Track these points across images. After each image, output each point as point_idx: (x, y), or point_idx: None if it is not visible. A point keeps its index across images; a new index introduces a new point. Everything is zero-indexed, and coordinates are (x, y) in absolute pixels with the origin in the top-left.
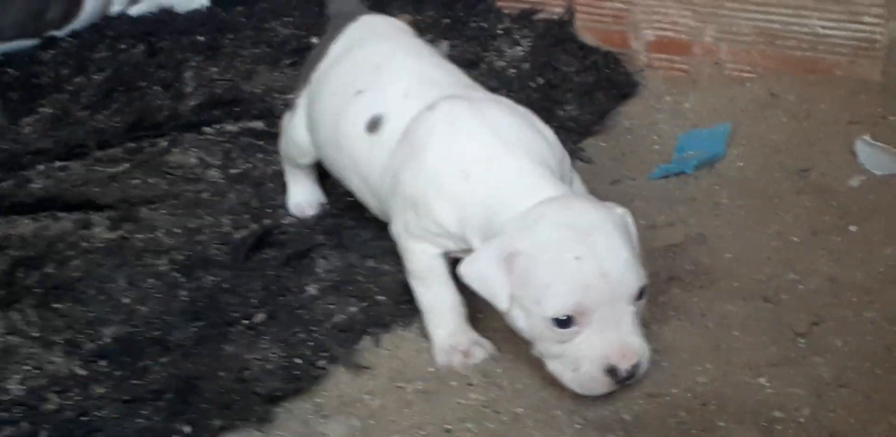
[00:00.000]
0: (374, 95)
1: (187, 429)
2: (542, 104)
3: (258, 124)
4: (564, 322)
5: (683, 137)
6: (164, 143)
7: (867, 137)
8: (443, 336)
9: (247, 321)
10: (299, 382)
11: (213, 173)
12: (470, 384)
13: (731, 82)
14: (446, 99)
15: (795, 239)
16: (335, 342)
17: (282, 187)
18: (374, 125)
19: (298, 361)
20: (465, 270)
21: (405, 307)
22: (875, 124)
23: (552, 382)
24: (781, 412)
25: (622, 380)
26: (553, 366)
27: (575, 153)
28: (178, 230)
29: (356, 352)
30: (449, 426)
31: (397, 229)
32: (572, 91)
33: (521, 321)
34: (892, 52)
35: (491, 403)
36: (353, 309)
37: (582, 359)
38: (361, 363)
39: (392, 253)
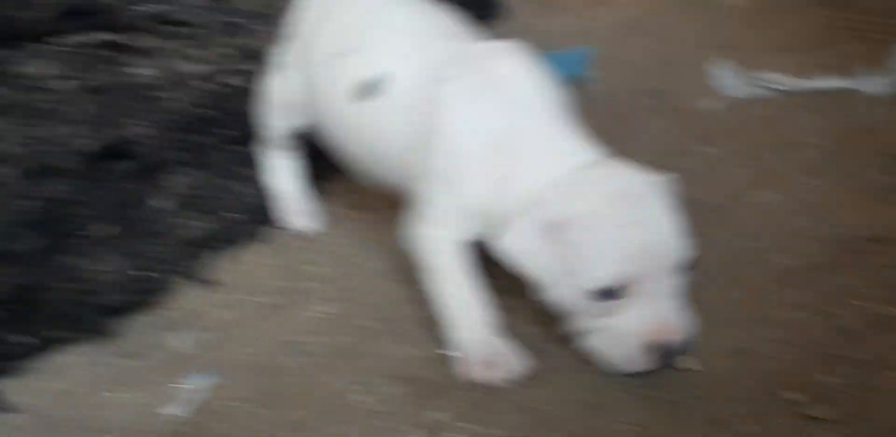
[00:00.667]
0: (364, 55)
1: (27, 339)
2: None
3: (112, 36)
4: (608, 294)
5: (545, 57)
6: (12, 52)
7: (724, 62)
8: (473, 344)
9: (93, 233)
10: (146, 295)
11: (64, 84)
12: (323, 298)
13: (595, 5)
14: (456, 69)
15: (651, 159)
16: (184, 257)
17: (137, 98)
18: (370, 89)
19: (146, 274)
20: (505, 244)
21: (257, 226)
22: (734, 49)
23: (403, 298)
24: None
25: (665, 359)
26: (593, 342)
27: None
28: (25, 140)
29: (206, 267)
30: (299, 339)
31: (415, 221)
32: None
33: (560, 294)
34: None
35: (344, 316)
36: (204, 225)
37: (626, 334)
38: (211, 278)
39: (246, 178)
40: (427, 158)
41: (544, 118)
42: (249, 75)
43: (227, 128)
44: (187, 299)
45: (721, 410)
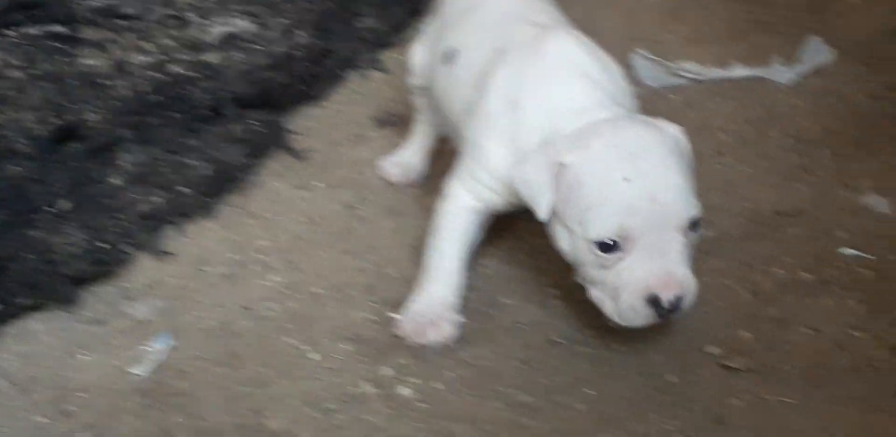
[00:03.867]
0: (457, 30)
1: None
2: (340, 15)
3: (60, 28)
4: (608, 247)
5: None
6: None
7: (643, 51)
8: (417, 301)
9: (51, 209)
10: (105, 265)
11: (16, 73)
12: (272, 268)
13: None
14: (516, 47)
15: None
16: (139, 229)
17: (87, 85)
18: (447, 58)
19: (103, 245)
20: (514, 171)
21: (208, 200)
22: (653, 41)
23: (349, 266)
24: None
25: (664, 313)
26: (595, 293)
27: (372, 64)
28: None
29: (160, 239)
30: (251, 305)
31: (452, 172)
32: (369, 4)
33: (563, 242)
34: None
35: (292, 285)
36: (156, 199)
37: (623, 287)
38: (165, 250)
39: (197, 149)
40: (468, 121)
41: (573, 80)
42: (188, 64)
43: (171, 110)
44: (144, 270)
45: (650, 363)
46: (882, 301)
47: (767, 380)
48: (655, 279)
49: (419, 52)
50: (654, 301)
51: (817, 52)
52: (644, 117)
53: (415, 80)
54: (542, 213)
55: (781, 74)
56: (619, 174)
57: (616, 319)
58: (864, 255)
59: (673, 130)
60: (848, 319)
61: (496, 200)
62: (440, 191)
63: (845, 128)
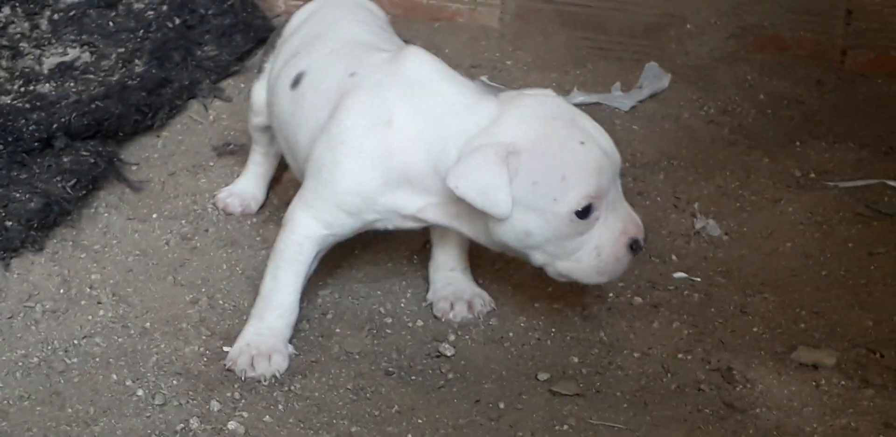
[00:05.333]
0: (304, 55)
1: None
2: (180, 44)
3: None
4: (584, 212)
5: None
6: None
7: (485, 78)
8: (250, 332)
9: None
10: None
11: None
12: (100, 303)
13: None
14: (365, 64)
15: None
16: None
17: None
18: (295, 82)
19: None
20: (459, 182)
21: (36, 234)
22: (494, 68)
23: (181, 299)
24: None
25: (637, 250)
26: (562, 267)
27: (213, 92)
28: None
29: None
30: (77, 342)
31: (294, 201)
32: (211, 33)
33: (534, 227)
34: (507, 1)
35: (120, 319)
36: None
37: (605, 243)
38: None
39: (24, 182)
40: (319, 143)
41: (447, 84)
42: (18, 94)
43: None
44: None
45: (480, 391)
46: (708, 324)
47: (595, 404)
48: (630, 225)
49: (260, 91)
50: (633, 245)
51: (656, 78)
52: (518, 91)
53: (257, 118)
54: (503, 209)
55: (620, 99)
56: (574, 141)
57: (596, 278)
58: (692, 278)
59: (551, 92)
60: (675, 342)
61: (348, 222)
62: (282, 220)
63: (680, 152)
